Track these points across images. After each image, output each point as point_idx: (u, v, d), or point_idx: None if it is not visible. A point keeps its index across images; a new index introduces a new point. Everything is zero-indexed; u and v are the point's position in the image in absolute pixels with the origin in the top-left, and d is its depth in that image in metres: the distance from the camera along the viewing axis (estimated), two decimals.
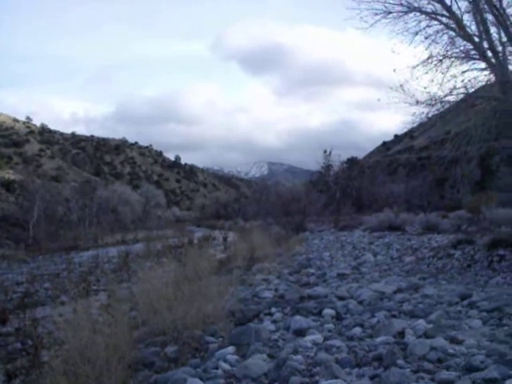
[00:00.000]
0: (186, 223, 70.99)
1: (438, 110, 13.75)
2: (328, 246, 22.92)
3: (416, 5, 13.91)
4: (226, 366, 5.54)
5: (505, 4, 12.91)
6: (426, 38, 13.70)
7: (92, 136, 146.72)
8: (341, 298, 9.25)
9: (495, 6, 12.89)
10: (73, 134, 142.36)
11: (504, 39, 13.01)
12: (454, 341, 5.77)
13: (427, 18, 13.91)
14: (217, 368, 5.52)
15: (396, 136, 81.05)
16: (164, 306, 7.38)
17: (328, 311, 7.92)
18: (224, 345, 6.42)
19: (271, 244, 20.63)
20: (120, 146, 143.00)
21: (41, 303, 12.11)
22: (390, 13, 13.98)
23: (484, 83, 13.55)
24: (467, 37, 13.30)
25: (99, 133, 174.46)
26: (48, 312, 9.28)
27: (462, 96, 13.53)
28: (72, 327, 5.91)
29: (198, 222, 78.92)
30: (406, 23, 13.94)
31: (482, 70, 13.32)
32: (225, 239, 29.55)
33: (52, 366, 5.46)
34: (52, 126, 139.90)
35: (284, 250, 20.65)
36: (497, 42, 13.10)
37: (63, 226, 44.01)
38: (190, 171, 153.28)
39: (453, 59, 13.51)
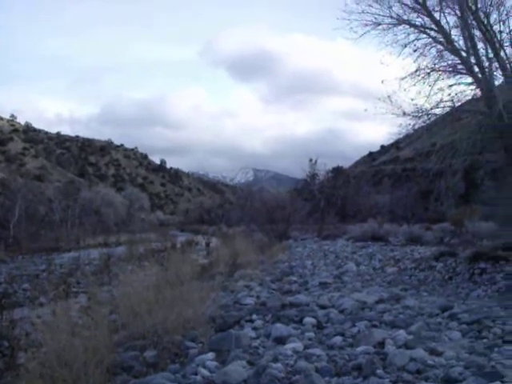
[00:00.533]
0: (169, 227, 70.64)
1: (424, 122, 13.88)
2: (311, 254, 22.94)
3: (405, 18, 14.09)
4: (205, 372, 5.52)
5: (492, 21, 13.12)
6: (415, 50, 13.86)
7: (77, 136, 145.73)
8: (322, 307, 9.27)
9: (483, 22, 13.08)
10: (58, 134, 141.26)
11: (491, 55, 13.20)
12: (433, 352, 5.81)
13: (416, 31, 14.08)
14: (196, 374, 5.50)
15: (382, 146, 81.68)
16: (144, 309, 7.34)
17: (309, 319, 7.94)
18: (204, 350, 6.41)
19: (254, 251, 20.60)
20: (105, 148, 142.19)
21: (19, 304, 11.94)
22: (380, 24, 14.15)
23: (470, 97, 13.71)
24: (455, 51, 13.46)
25: (84, 133, 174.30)
26: (26, 313, 9.18)
27: (448, 109, 13.68)
28: (50, 329, 5.85)
29: (181, 227, 78.56)
30: (395, 35, 14.11)
31: (469, 84, 13.49)
32: (208, 244, 29.48)
33: (28, 368, 5.40)
34: (36, 125, 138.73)
35: (267, 257, 20.63)
36: (483, 58, 13.29)
37: (45, 227, 43.52)
38: (175, 175, 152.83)
39: (440, 72, 13.66)
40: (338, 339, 6.77)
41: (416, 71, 13.67)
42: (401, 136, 15.49)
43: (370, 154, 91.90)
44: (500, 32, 13.06)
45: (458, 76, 13.67)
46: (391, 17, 14.10)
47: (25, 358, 6.23)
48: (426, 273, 14.13)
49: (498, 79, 13.55)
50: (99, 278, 15.64)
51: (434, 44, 13.90)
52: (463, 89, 13.52)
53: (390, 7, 14.05)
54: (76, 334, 5.83)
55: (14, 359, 6.64)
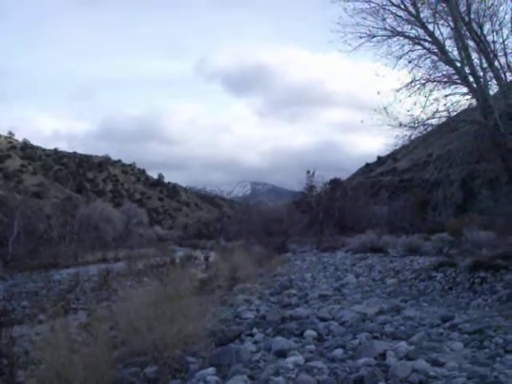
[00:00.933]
0: (168, 242, 70.51)
1: (420, 132, 13.91)
2: (310, 266, 22.90)
3: (399, 29, 14.17)
4: None
5: (485, 31, 13.21)
6: (410, 61, 13.92)
7: (75, 152, 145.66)
8: (322, 319, 9.23)
9: (476, 32, 13.17)
10: (55, 150, 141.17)
11: (485, 65, 13.27)
12: (435, 363, 5.78)
13: (410, 42, 14.16)
14: None
15: (379, 158, 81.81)
16: (144, 325, 7.29)
17: (309, 332, 7.90)
18: (204, 365, 6.36)
19: (253, 264, 20.55)
20: (103, 163, 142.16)
21: (18, 321, 11.86)
22: (374, 36, 14.21)
23: (466, 107, 13.77)
24: (449, 62, 13.54)
25: (81, 150, 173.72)
26: (25, 331, 9.11)
27: (444, 119, 13.73)
28: (49, 346, 5.80)
29: (180, 242, 78.42)
30: (389, 47, 14.17)
31: (464, 94, 13.55)
32: (206, 259, 29.41)
33: None
34: (34, 142, 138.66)
35: (266, 270, 20.59)
36: (478, 68, 13.36)
37: (43, 243, 43.34)
38: (173, 190, 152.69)
39: (435, 83, 13.73)
40: (339, 351, 6.73)
41: (411, 82, 13.74)
42: (397, 147, 15.53)
43: (367, 165, 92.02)
44: (493, 42, 13.16)
45: (453, 86, 13.74)
46: (385, 29, 14.19)
47: (24, 376, 6.18)
48: (426, 283, 14.10)
49: (493, 89, 13.63)
50: (98, 294, 15.59)
51: (428, 55, 13.98)
52: (458, 99, 13.60)
53: (384, 19, 14.15)
54: (75, 351, 5.78)
55: (14, 377, 6.58)
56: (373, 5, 14.10)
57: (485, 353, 6.38)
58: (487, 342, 6.86)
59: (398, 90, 13.74)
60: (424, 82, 13.71)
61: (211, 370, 6.09)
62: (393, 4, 14.04)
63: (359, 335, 7.51)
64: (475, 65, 13.37)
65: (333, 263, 23.10)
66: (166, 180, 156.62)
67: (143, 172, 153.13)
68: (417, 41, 14.09)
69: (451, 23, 13.49)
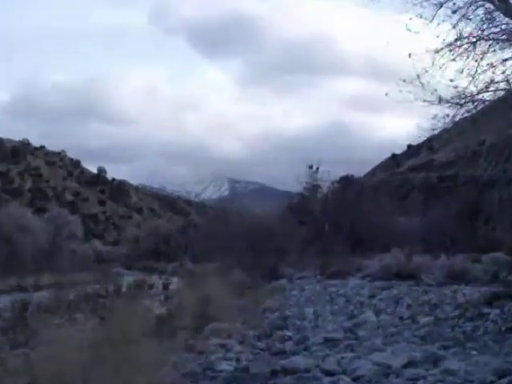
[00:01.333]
0: (111, 263, 70.54)
1: (468, 111, 13.94)
2: (312, 298, 22.98)
3: None
4: None
5: None
6: (454, 11, 13.90)
7: None
8: (329, 373, 9.24)
9: None
10: None
11: None
12: None
13: None
14: None
15: (409, 147, 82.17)
16: (77, 378, 7.25)
17: None
18: None
19: (232, 295, 20.58)
20: (19, 151, 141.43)
21: None
22: None
23: None
24: (510, 11, 13.55)
25: None
26: None
27: (502, 93, 13.75)
28: None
29: (128, 262, 78.61)
30: None
31: None
32: (166, 287, 29.40)
33: None
34: None
35: (250, 303, 20.60)
36: None
37: None
38: (119, 189, 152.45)
39: (490, 42, 13.74)
40: None
41: (456, 41, 13.76)
42: (436, 131, 15.55)
43: (393, 156, 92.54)
44: None
45: None
46: None
47: None
48: (475, 323, 14.17)
49: None
50: (11, 338, 15.48)
51: (481, 2, 13.98)
52: None
53: None
54: None
55: None
56: None
57: None
58: None
59: (437, 52, 13.76)
60: (474, 40, 13.75)
61: None
62: None
63: None
64: None
65: (343, 294, 23.20)
66: (110, 175, 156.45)
67: (77, 164, 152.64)
68: None
69: None
